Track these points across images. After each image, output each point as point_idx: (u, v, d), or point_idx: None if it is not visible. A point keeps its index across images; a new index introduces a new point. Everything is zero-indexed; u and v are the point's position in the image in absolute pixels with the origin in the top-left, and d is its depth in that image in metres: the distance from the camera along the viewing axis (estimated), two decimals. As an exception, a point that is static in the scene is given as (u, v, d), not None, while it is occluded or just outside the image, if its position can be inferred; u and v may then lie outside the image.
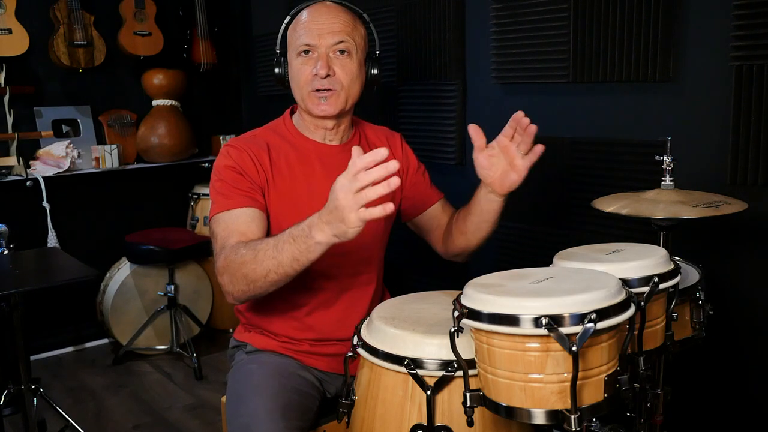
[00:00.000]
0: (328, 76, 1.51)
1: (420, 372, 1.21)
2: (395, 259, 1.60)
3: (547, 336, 1.01)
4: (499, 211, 1.58)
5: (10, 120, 3.17)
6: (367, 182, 1.14)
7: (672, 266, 1.30)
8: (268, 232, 1.54)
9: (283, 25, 1.60)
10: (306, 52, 1.53)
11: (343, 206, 1.16)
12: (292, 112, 1.69)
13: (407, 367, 1.21)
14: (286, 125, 1.65)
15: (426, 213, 1.76)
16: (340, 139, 1.65)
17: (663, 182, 1.54)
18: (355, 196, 1.15)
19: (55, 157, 3.26)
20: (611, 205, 1.50)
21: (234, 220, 1.48)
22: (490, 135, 2.44)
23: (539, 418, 1.05)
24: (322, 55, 1.52)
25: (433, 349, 1.22)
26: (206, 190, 3.60)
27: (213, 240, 1.51)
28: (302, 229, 1.29)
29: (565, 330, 1.00)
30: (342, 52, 1.53)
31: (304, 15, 1.56)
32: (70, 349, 3.51)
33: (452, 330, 1.11)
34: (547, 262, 1.36)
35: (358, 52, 1.56)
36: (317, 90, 1.53)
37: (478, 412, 1.17)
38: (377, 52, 1.64)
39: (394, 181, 1.13)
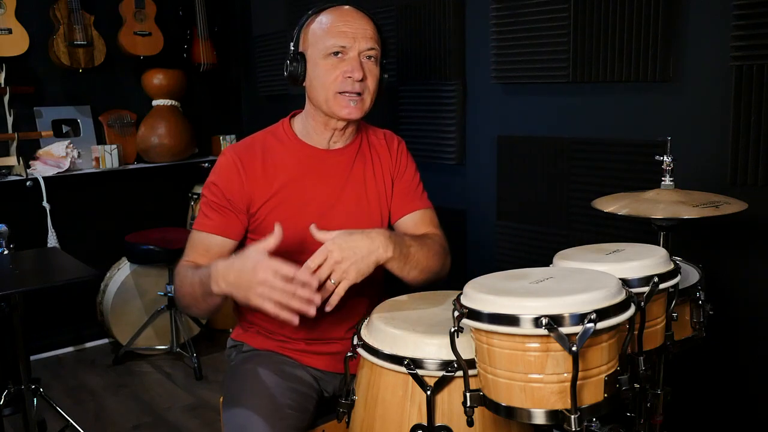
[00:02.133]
0: (361, 79, 1.52)
1: (420, 372, 1.21)
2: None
3: (547, 336, 1.01)
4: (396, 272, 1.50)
5: (10, 120, 3.17)
6: (288, 293, 1.27)
7: (672, 266, 1.30)
8: (240, 240, 1.60)
9: (301, 23, 1.59)
10: (336, 53, 1.52)
11: (256, 290, 1.28)
12: (292, 117, 1.69)
13: (407, 367, 1.21)
14: (285, 130, 1.65)
15: (400, 221, 1.69)
16: (345, 141, 1.65)
17: (663, 182, 1.54)
18: (273, 291, 1.27)
19: (55, 157, 3.26)
20: (611, 205, 1.50)
21: (197, 242, 1.59)
22: (490, 134, 2.44)
23: (539, 418, 1.05)
24: (354, 58, 1.52)
25: (433, 349, 1.22)
26: (206, 190, 3.61)
27: None
28: (207, 275, 1.39)
29: (565, 330, 1.00)
30: (370, 57, 1.54)
31: (331, 16, 1.55)
32: (70, 349, 3.51)
33: (452, 330, 1.11)
34: (547, 262, 1.37)
35: (379, 59, 1.58)
36: (344, 92, 1.53)
37: (478, 412, 1.17)
38: (384, 60, 1.64)
39: (311, 311, 1.27)
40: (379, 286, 1.72)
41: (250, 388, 1.48)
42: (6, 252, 2.40)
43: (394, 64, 2.72)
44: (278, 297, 1.27)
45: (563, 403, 1.04)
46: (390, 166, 1.71)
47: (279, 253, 1.58)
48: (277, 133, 1.65)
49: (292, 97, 3.47)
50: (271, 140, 1.63)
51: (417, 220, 1.68)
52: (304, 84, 1.59)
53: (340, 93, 1.53)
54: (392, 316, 1.36)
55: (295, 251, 1.57)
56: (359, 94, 1.53)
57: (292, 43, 1.61)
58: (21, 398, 2.21)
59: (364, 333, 1.35)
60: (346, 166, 1.64)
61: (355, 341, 1.34)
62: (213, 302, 1.44)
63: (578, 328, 1.00)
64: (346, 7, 1.58)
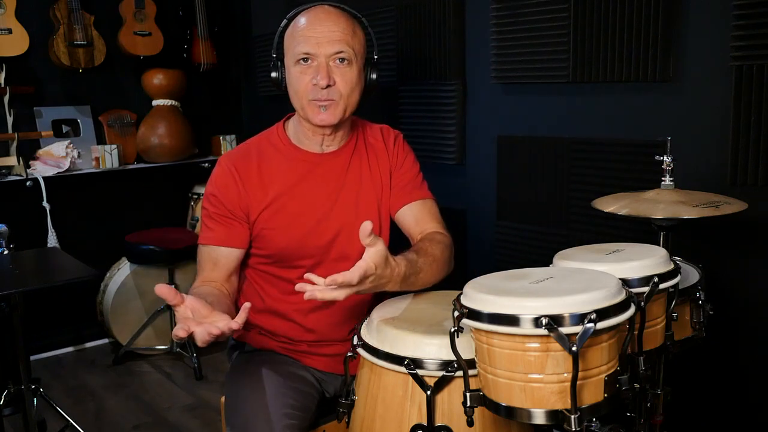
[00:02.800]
0: (328, 86, 1.49)
1: (420, 372, 1.21)
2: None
3: (547, 336, 1.01)
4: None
5: (10, 120, 3.17)
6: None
7: (672, 266, 1.30)
8: (247, 247, 1.59)
9: (280, 29, 1.57)
10: (305, 59, 1.50)
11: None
12: (287, 120, 1.68)
13: (407, 367, 1.21)
14: (279, 135, 1.63)
15: (400, 213, 1.65)
16: (338, 144, 1.63)
17: (663, 182, 1.54)
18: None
19: (55, 157, 3.26)
20: (611, 205, 1.50)
21: (205, 258, 1.57)
22: (490, 134, 2.45)
23: (539, 418, 1.05)
24: (321, 64, 1.48)
25: (433, 349, 1.22)
26: (206, 190, 3.60)
27: None
28: None
29: (565, 330, 1.00)
30: (342, 60, 1.50)
31: (302, 20, 1.52)
32: (70, 349, 3.51)
33: (452, 330, 1.11)
34: (547, 262, 1.36)
35: (357, 59, 1.53)
36: (315, 100, 1.50)
37: (478, 412, 1.17)
38: (375, 56, 1.62)
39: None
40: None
41: (251, 389, 1.48)
42: (6, 252, 2.40)
43: (394, 64, 2.72)
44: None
45: (563, 403, 1.04)
46: (387, 161, 1.67)
47: (278, 260, 1.59)
48: (271, 138, 1.63)
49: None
50: (266, 146, 1.61)
51: (417, 213, 1.64)
52: (287, 90, 1.58)
53: (312, 101, 1.50)
54: (392, 316, 1.36)
55: (292, 257, 1.58)
56: (331, 100, 1.50)
57: (273, 51, 1.60)
58: (21, 398, 2.20)
59: (364, 333, 1.35)
60: (341, 170, 1.61)
61: (355, 341, 1.34)
62: None
63: (578, 328, 1.00)
64: (325, 6, 1.53)
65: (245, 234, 1.57)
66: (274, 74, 1.60)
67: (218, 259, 1.56)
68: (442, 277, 1.50)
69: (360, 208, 1.62)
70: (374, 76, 1.60)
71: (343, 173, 1.62)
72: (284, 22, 1.57)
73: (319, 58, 1.48)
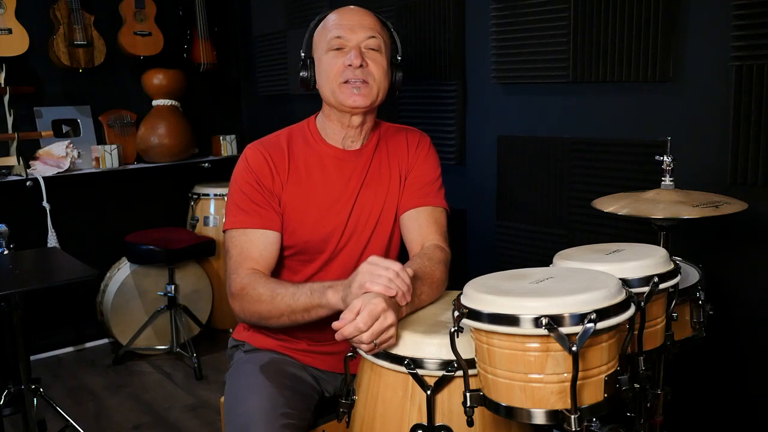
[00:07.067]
0: (361, 66, 1.52)
1: (420, 372, 1.21)
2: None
3: (547, 336, 1.01)
4: None
5: (10, 120, 3.17)
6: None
7: (672, 266, 1.30)
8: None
9: (310, 28, 1.61)
10: (338, 48, 1.54)
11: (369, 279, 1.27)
12: (317, 115, 1.69)
13: (407, 366, 1.21)
14: (310, 129, 1.65)
15: (405, 215, 1.64)
16: (361, 142, 1.64)
17: (663, 182, 1.54)
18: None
19: (55, 157, 3.26)
20: (611, 205, 1.50)
21: (249, 243, 1.52)
22: (490, 134, 2.45)
23: (539, 418, 1.05)
24: (354, 47, 1.53)
25: (433, 349, 1.22)
26: (206, 190, 3.60)
27: (227, 256, 1.56)
28: (321, 285, 1.39)
29: (565, 330, 1.00)
30: (371, 47, 1.55)
31: (332, 16, 1.58)
32: (70, 349, 3.51)
33: (452, 330, 1.11)
34: (547, 262, 1.37)
35: (386, 51, 1.58)
36: (348, 81, 1.52)
37: (478, 412, 1.17)
38: (399, 57, 1.66)
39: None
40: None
41: (251, 388, 1.48)
42: (6, 252, 2.40)
43: (394, 64, 2.72)
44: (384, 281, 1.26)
45: (563, 403, 1.04)
46: (406, 162, 1.68)
47: (297, 252, 1.59)
48: (301, 131, 1.65)
49: (292, 97, 3.47)
50: (295, 138, 1.63)
51: (422, 220, 1.61)
52: (316, 87, 1.60)
53: (344, 83, 1.53)
54: (392, 316, 1.35)
55: (313, 251, 1.59)
56: (364, 81, 1.53)
57: (302, 51, 1.62)
58: (21, 398, 2.20)
59: (364, 333, 1.34)
60: (363, 168, 1.63)
61: (355, 341, 1.34)
62: (307, 317, 1.42)
63: (578, 328, 1.00)
64: (351, 6, 1.60)
65: (280, 219, 1.57)
66: (303, 73, 1.61)
67: (266, 245, 1.54)
68: (434, 298, 1.46)
69: (375, 208, 1.63)
70: (399, 75, 1.65)
71: (364, 172, 1.63)
72: (314, 21, 1.61)
73: (352, 42, 1.53)
